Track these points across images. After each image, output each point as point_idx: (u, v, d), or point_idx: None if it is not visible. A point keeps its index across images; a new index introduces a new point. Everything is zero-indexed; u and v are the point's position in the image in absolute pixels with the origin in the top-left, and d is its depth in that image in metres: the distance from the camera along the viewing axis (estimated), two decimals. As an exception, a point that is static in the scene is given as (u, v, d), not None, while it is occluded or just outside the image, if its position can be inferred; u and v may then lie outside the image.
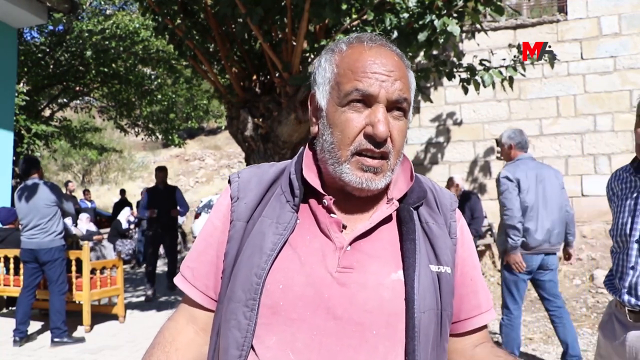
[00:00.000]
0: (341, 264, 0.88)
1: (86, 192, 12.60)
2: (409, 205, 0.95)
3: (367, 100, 0.88)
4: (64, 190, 11.36)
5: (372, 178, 0.89)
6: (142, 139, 14.07)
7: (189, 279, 1.00)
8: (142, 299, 7.31)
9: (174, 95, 12.48)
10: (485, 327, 1.02)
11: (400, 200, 0.96)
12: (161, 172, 7.53)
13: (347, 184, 0.91)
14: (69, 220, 8.29)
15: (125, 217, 11.01)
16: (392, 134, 0.89)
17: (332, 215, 0.92)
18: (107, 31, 10.64)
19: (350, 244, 0.90)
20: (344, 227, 0.92)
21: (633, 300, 1.75)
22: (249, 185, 0.99)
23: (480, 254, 7.42)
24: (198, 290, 0.99)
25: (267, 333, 0.87)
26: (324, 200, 0.93)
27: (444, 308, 0.92)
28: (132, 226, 10.98)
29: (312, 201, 0.95)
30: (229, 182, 1.03)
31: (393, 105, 0.89)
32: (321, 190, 0.93)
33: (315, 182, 0.94)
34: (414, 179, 0.98)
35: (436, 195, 1.01)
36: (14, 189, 7.03)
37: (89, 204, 11.44)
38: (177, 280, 1.02)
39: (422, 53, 4.89)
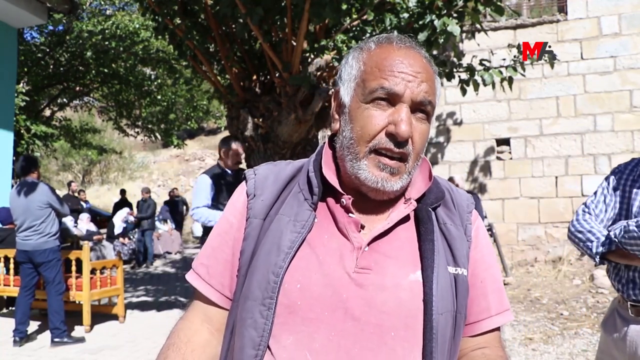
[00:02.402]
0: (359, 264, 0.87)
1: (81, 192, 12.59)
2: (427, 206, 0.94)
3: (392, 99, 0.87)
4: (66, 191, 11.37)
5: (389, 178, 0.88)
6: (142, 139, 14.06)
7: (204, 277, 0.98)
8: (142, 299, 7.31)
9: (173, 96, 12.48)
10: (494, 330, 0.99)
11: (418, 201, 0.95)
12: (238, 145, 4.39)
13: (362, 183, 0.90)
14: (70, 221, 8.30)
15: (120, 218, 10.98)
16: (413, 136, 0.88)
17: (350, 214, 0.91)
18: (107, 31, 10.64)
19: (368, 244, 0.89)
20: (362, 227, 0.91)
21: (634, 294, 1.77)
22: (265, 183, 0.98)
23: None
24: (213, 288, 0.97)
25: (283, 333, 0.86)
26: (342, 200, 0.92)
27: (459, 310, 0.92)
28: (120, 232, 10.92)
29: (330, 200, 0.94)
30: (244, 178, 1.01)
31: (417, 107, 0.88)
32: (340, 189, 0.92)
33: (333, 180, 0.93)
34: (432, 179, 0.97)
35: (453, 197, 1.00)
36: (13, 187, 7.03)
37: (83, 205, 11.42)
38: (191, 277, 1.00)
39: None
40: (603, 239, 1.80)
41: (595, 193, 1.96)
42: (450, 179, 6.69)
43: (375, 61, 0.90)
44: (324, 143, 1.01)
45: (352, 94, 0.92)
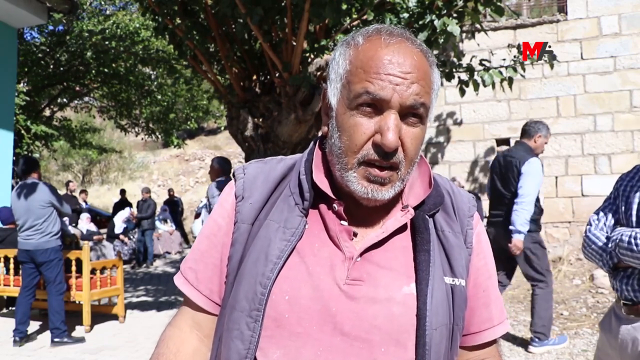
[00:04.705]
0: (350, 275, 0.83)
1: (82, 192, 12.61)
2: (424, 213, 0.89)
3: (378, 105, 0.80)
4: (65, 190, 11.36)
5: (378, 189, 0.83)
6: (142, 138, 14.06)
7: (192, 282, 0.95)
8: (142, 299, 7.31)
9: (173, 96, 12.47)
10: (494, 341, 0.96)
11: (416, 207, 0.89)
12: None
13: (352, 193, 0.85)
14: (66, 221, 8.30)
15: (121, 218, 10.98)
16: (404, 143, 0.81)
17: (342, 222, 0.87)
18: (107, 31, 10.64)
19: (362, 254, 0.85)
20: (355, 234, 0.87)
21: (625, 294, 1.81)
22: (255, 183, 0.92)
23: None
24: (202, 294, 0.94)
25: (271, 346, 0.83)
26: (334, 205, 0.87)
27: (456, 322, 0.88)
28: (121, 231, 10.93)
29: (322, 205, 0.88)
30: (234, 177, 0.96)
31: (407, 111, 0.81)
32: (332, 195, 0.87)
33: (325, 186, 0.88)
34: (432, 185, 0.90)
35: (454, 200, 0.94)
36: (14, 188, 7.03)
37: (83, 204, 11.44)
38: (179, 282, 0.97)
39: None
40: (610, 252, 1.84)
41: (602, 204, 2.01)
42: (453, 179, 6.71)
43: (361, 60, 0.82)
44: (314, 142, 0.96)
45: (339, 96, 0.85)
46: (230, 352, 0.84)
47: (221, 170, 5.23)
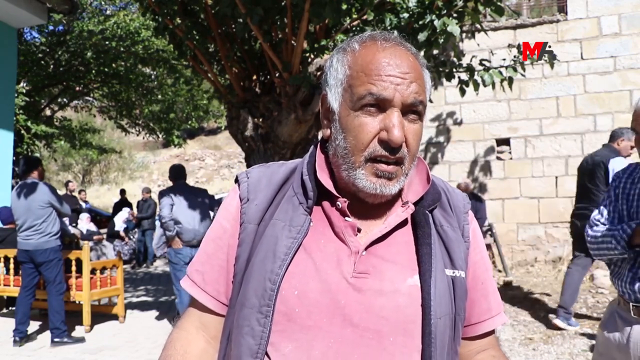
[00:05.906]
0: (357, 269, 0.87)
1: (81, 192, 12.60)
2: (424, 209, 0.93)
3: (382, 105, 0.85)
4: (64, 190, 11.35)
5: (386, 184, 0.87)
6: (143, 137, 14.04)
7: (199, 284, 0.97)
8: (142, 299, 7.31)
9: (174, 96, 12.46)
10: (493, 332, 1.01)
11: (415, 203, 0.93)
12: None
13: (360, 190, 0.89)
14: (66, 221, 8.30)
15: (121, 218, 10.98)
16: (407, 138, 0.86)
17: (346, 218, 0.90)
18: (107, 31, 10.63)
19: (366, 248, 0.88)
20: (359, 230, 0.90)
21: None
22: (258, 186, 0.96)
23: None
24: (209, 295, 0.96)
25: (282, 340, 0.85)
26: (338, 203, 0.90)
27: (458, 312, 0.92)
28: (122, 231, 10.94)
29: (325, 203, 0.92)
30: (237, 181, 0.99)
31: (408, 109, 0.86)
32: (335, 193, 0.91)
33: (328, 184, 0.92)
34: (430, 182, 0.95)
35: (449, 197, 0.99)
36: (14, 188, 7.02)
37: (83, 204, 11.43)
38: (186, 284, 0.99)
39: (422, 53, 4.89)
40: (617, 235, 1.82)
41: (601, 202, 2.00)
42: (459, 185, 6.80)
43: (360, 64, 0.87)
44: (316, 145, 1.00)
45: (340, 100, 0.89)
46: (241, 348, 0.86)
47: (171, 177, 5.46)
